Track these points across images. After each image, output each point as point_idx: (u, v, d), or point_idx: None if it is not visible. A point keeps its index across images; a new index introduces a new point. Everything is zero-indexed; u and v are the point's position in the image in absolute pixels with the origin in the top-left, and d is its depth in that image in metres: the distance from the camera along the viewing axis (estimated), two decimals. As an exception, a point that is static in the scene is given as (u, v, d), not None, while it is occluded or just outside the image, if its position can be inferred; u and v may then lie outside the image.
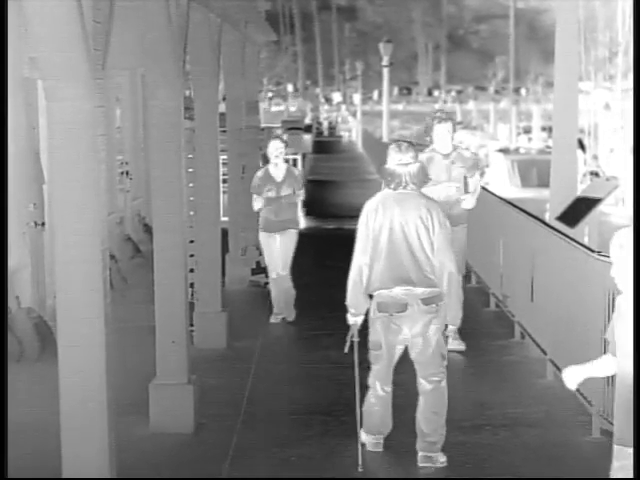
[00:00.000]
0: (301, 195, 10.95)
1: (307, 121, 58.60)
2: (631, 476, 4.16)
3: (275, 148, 10.72)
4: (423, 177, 6.60)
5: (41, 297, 9.92)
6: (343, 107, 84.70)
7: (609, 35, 32.68)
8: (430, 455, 6.52)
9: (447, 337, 6.64)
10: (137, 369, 7.86)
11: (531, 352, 9.10)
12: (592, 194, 13.27)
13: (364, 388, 6.72)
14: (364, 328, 6.67)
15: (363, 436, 6.72)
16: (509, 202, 10.98)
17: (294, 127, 38.01)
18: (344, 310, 6.73)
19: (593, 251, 7.19)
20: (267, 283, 12.63)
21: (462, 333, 9.61)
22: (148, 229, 14.35)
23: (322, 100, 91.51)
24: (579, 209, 12.80)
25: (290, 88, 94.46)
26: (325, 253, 14.91)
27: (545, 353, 8.54)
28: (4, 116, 8.37)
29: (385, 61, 33.49)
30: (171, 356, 7.24)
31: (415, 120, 76.76)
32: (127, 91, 15.98)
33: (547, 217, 13.58)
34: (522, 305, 9.67)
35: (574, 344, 7.57)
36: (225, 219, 11.77)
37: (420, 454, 6.54)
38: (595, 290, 6.99)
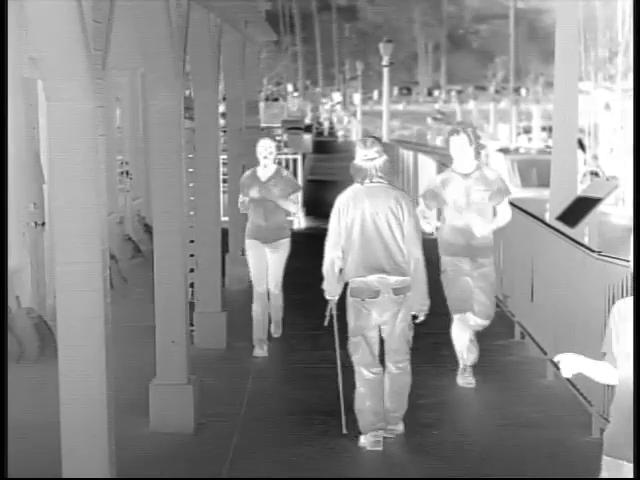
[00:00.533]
0: (295, 201, 9.60)
1: (307, 121, 58.59)
2: None
3: (264, 148, 9.49)
4: (390, 169, 7.02)
5: (41, 297, 9.93)
6: (339, 107, 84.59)
7: (609, 35, 32.68)
8: (392, 428, 6.98)
9: (414, 323, 6.95)
10: (137, 369, 7.86)
11: (531, 352, 9.10)
12: (592, 194, 13.25)
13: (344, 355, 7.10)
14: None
15: (362, 439, 6.86)
16: (509, 202, 10.96)
17: (294, 127, 38.05)
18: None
19: (593, 251, 7.19)
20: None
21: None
22: (148, 229, 14.35)
23: (322, 100, 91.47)
24: (579, 209, 12.79)
25: (290, 88, 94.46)
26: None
27: (545, 353, 8.54)
28: (4, 116, 8.37)
29: (385, 61, 33.46)
30: (171, 356, 7.24)
31: (415, 120, 76.79)
32: (127, 91, 15.99)
33: (547, 217, 13.58)
34: (522, 305, 9.67)
35: (574, 344, 7.57)
36: (225, 219, 11.76)
37: (386, 428, 6.97)
38: (595, 290, 6.99)
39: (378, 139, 7.26)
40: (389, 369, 6.97)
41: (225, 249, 11.64)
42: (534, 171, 29.76)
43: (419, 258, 6.80)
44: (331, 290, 6.98)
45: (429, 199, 8.44)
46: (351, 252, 6.82)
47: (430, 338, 9.91)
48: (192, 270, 9.24)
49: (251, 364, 9.00)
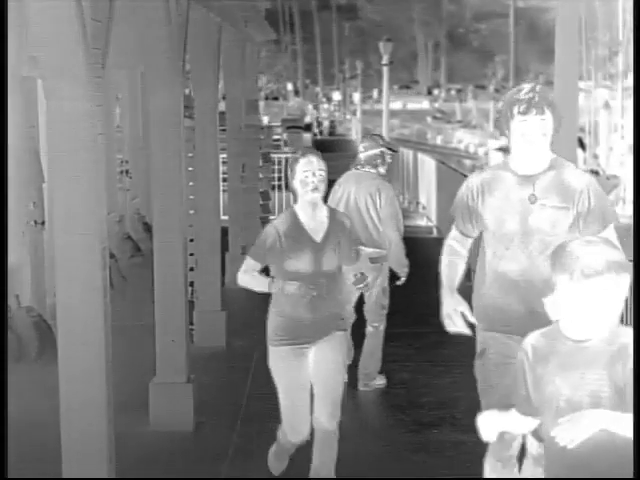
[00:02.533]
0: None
1: (307, 120, 58.62)
2: None
3: (312, 169, 5.58)
4: (377, 161, 8.11)
5: (41, 296, 9.92)
6: (326, 106, 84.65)
7: (609, 34, 32.68)
8: (367, 382, 8.19)
9: (396, 285, 8.08)
10: (137, 368, 7.86)
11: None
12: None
13: None
14: None
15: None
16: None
17: (294, 126, 38.04)
18: None
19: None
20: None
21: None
22: (148, 228, 14.35)
23: (322, 99, 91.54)
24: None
25: (290, 87, 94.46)
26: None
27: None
28: (4, 115, 8.37)
29: (385, 60, 33.42)
30: (171, 355, 7.24)
31: (415, 119, 76.82)
32: (127, 90, 15.99)
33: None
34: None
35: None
36: (225, 218, 11.76)
37: (360, 383, 8.16)
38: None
39: (373, 135, 8.65)
40: (367, 329, 8.22)
41: (225, 248, 11.64)
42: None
43: (393, 239, 7.94)
44: None
45: (463, 219, 4.99)
46: None
47: (431, 337, 9.91)
48: (192, 269, 9.23)
49: (251, 363, 8.99)
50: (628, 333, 3.36)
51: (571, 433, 3.26)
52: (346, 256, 5.76)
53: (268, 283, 5.68)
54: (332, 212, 5.84)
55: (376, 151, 8.07)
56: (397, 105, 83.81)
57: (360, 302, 8.12)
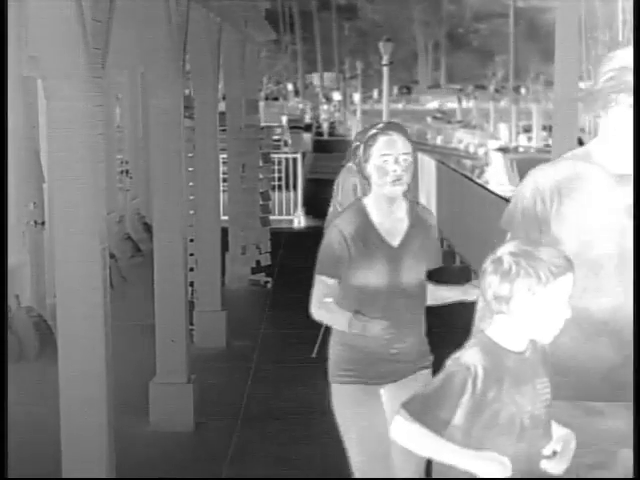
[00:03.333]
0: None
1: (307, 120, 58.63)
2: None
3: (396, 155, 4.36)
4: (353, 155, 7.94)
5: (41, 296, 9.92)
6: (326, 107, 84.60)
7: (609, 34, 32.69)
8: None
9: None
10: (137, 368, 7.86)
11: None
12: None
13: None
14: None
15: None
16: (509, 201, 10.96)
17: (294, 126, 38.08)
18: None
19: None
20: (267, 282, 12.64)
21: (463, 331, 9.59)
22: (148, 228, 14.34)
23: (322, 99, 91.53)
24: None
25: (290, 87, 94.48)
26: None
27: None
28: (4, 115, 8.37)
29: (385, 60, 33.43)
30: (171, 355, 7.24)
31: (415, 119, 76.80)
32: (127, 90, 15.99)
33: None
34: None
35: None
36: (225, 218, 11.76)
37: None
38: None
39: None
40: None
41: (225, 248, 11.64)
42: (534, 170, 29.64)
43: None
44: None
45: (527, 232, 3.58)
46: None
47: (431, 337, 9.91)
48: (192, 269, 9.23)
49: (251, 363, 9.00)
50: None
51: (565, 462, 3.14)
52: (432, 263, 4.47)
53: (348, 321, 4.18)
54: (412, 207, 4.46)
55: (353, 145, 8.09)
56: (397, 105, 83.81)
57: None
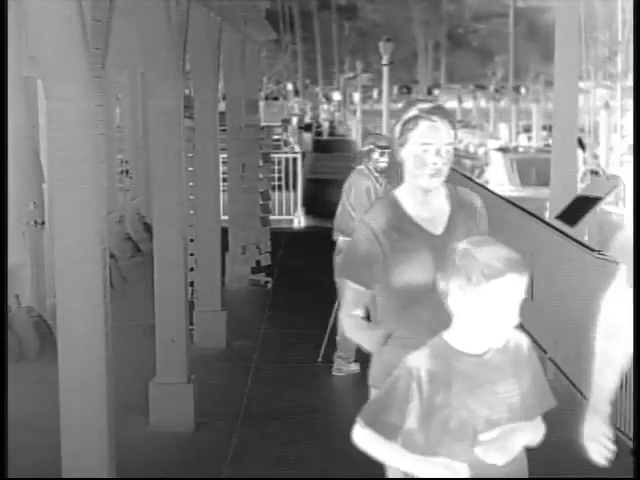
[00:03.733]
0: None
1: (307, 120, 58.60)
2: None
3: (438, 146, 3.75)
4: (365, 157, 8.61)
5: (41, 296, 9.91)
6: (325, 106, 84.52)
7: (609, 34, 32.67)
8: (340, 367, 8.55)
9: None
10: (137, 368, 7.85)
11: (531, 351, 9.09)
12: (592, 193, 13.26)
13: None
14: None
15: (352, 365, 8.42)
16: (509, 201, 10.97)
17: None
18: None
19: (593, 250, 7.19)
20: (267, 282, 12.64)
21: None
22: (148, 228, 14.34)
23: (322, 99, 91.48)
24: (579, 208, 12.78)
25: (290, 87, 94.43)
26: (326, 252, 14.88)
27: (545, 352, 8.53)
28: (4, 115, 8.36)
29: (385, 60, 33.42)
30: (171, 355, 7.24)
31: (415, 119, 76.64)
32: (127, 90, 15.98)
33: (547, 216, 13.57)
34: (522, 305, 9.64)
35: (574, 344, 7.57)
36: (225, 218, 11.76)
37: (334, 366, 8.57)
38: (595, 290, 6.97)
39: (371, 134, 10.19)
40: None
41: (225, 248, 11.64)
42: (533, 170, 29.70)
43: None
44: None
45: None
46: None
47: (430, 337, 9.91)
48: (192, 269, 9.23)
49: (251, 363, 9.00)
50: (515, 332, 3.13)
51: (503, 451, 3.05)
52: None
53: (377, 344, 3.73)
54: (452, 191, 3.88)
55: (365, 148, 8.65)
56: (398, 105, 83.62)
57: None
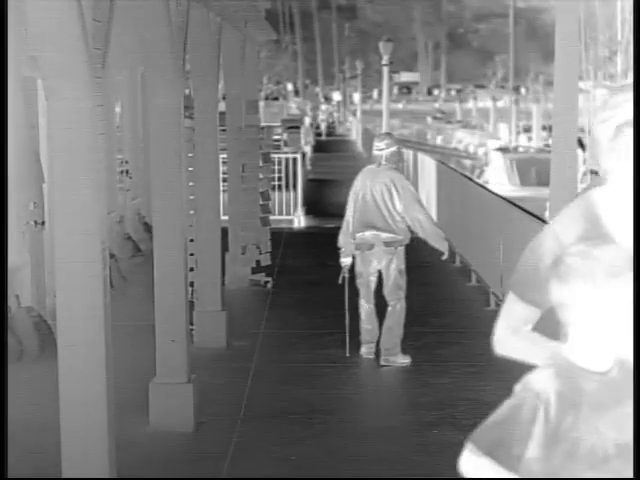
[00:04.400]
0: None
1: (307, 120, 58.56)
2: None
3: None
4: (397, 158, 9.20)
5: (41, 296, 9.92)
6: (324, 107, 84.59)
7: (609, 34, 32.68)
8: (387, 358, 8.93)
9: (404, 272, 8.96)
10: (137, 368, 7.85)
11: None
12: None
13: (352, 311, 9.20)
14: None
15: (362, 348, 9.10)
16: (509, 201, 10.98)
17: (293, 126, 38.06)
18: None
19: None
20: (267, 282, 12.65)
21: (462, 332, 9.62)
22: (148, 228, 14.34)
23: (322, 100, 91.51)
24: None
25: (290, 87, 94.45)
26: (326, 253, 14.90)
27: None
28: (4, 115, 8.37)
29: (385, 60, 33.43)
30: (171, 355, 7.24)
31: (415, 119, 76.77)
32: (127, 90, 15.99)
33: (547, 216, 13.57)
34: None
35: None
36: (225, 218, 11.76)
37: (381, 358, 8.96)
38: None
39: (390, 134, 9.96)
40: (388, 309, 9.03)
41: (225, 248, 11.64)
42: (533, 170, 29.70)
43: (421, 219, 8.87)
44: (345, 246, 9.20)
45: None
46: (356, 213, 9.08)
47: (430, 337, 9.92)
48: (192, 269, 9.23)
49: (251, 363, 9.00)
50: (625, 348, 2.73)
51: None
52: None
53: (552, 351, 3.11)
54: None
55: (394, 149, 9.15)
56: (398, 105, 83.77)
57: (379, 284, 9.04)
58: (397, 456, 6.71)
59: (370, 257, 8.98)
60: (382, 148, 9.06)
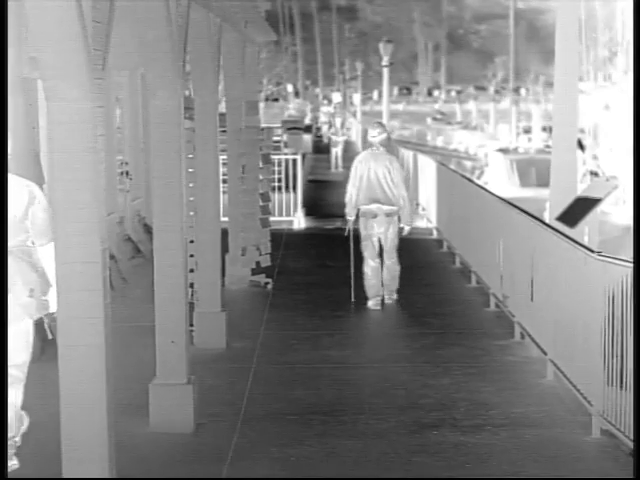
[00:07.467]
0: None
1: (307, 121, 58.56)
2: None
3: None
4: (387, 142, 11.61)
5: (41, 297, 9.89)
6: (325, 109, 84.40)
7: (609, 35, 32.67)
8: (391, 297, 11.53)
9: (401, 234, 11.47)
10: (137, 369, 7.86)
11: (531, 352, 9.10)
12: (592, 194, 13.27)
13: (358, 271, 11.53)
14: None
15: (368, 302, 11.29)
16: (509, 202, 10.98)
17: (294, 127, 38.04)
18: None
19: (593, 251, 7.19)
20: (267, 283, 12.65)
21: (462, 333, 9.62)
22: (148, 229, 14.35)
23: (324, 101, 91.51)
24: (579, 209, 12.80)
25: (290, 88, 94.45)
26: (326, 253, 14.92)
27: (545, 353, 8.54)
28: (4, 116, 8.36)
29: (385, 61, 33.44)
30: (171, 356, 7.24)
31: (415, 120, 76.76)
32: (127, 91, 15.98)
33: (547, 217, 13.59)
34: (522, 305, 9.67)
35: (574, 344, 7.57)
36: (225, 219, 11.76)
37: (385, 297, 11.49)
38: (595, 290, 6.99)
39: (380, 123, 12.16)
40: (385, 263, 11.51)
41: (225, 249, 11.64)
42: (533, 171, 29.71)
43: (404, 196, 11.43)
44: (350, 213, 11.55)
45: None
46: (361, 190, 11.39)
47: (430, 338, 9.92)
48: (192, 270, 9.23)
49: (251, 364, 9.00)
50: None
51: None
52: None
53: None
54: None
55: (385, 135, 11.60)
56: (397, 106, 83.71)
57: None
58: (397, 456, 6.71)
59: (373, 223, 11.43)
60: (375, 135, 11.51)
